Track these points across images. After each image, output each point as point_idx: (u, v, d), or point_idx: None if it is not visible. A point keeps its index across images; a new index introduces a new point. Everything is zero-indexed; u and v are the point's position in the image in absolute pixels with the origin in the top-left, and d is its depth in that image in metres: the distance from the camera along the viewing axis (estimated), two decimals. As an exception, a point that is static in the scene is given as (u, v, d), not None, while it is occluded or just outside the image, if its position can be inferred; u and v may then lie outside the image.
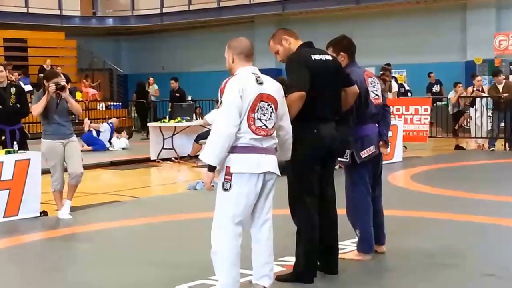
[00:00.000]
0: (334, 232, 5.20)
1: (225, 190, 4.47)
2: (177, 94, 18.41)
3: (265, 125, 4.45)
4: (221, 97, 4.46)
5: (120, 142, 16.66)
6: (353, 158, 5.47)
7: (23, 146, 8.37)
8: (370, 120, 5.52)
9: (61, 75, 8.51)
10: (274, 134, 4.55)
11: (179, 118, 14.34)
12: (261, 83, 4.49)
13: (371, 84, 5.52)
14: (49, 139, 7.92)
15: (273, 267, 4.73)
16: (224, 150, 4.35)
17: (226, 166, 4.43)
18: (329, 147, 5.00)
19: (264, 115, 4.45)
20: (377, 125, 5.60)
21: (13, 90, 8.46)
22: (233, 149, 4.40)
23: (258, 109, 4.43)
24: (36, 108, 7.83)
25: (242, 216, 4.48)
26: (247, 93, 4.38)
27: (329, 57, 5.09)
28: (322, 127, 4.96)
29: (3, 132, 8.40)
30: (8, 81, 8.78)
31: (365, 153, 5.48)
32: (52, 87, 7.75)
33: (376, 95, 5.52)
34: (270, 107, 4.50)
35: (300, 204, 4.96)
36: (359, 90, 5.33)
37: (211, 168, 4.38)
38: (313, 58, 4.97)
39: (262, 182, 4.48)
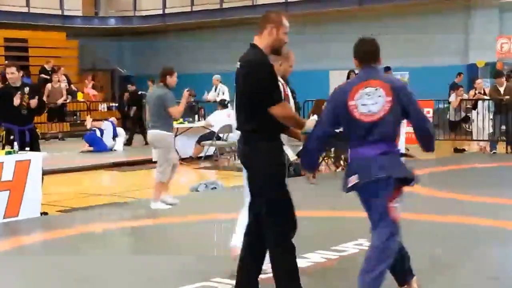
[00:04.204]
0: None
1: None
2: None
3: None
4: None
5: (122, 133, 17.13)
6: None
7: (33, 147, 8.37)
8: (358, 142, 4.48)
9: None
10: None
11: (181, 120, 14.31)
12: None
13: (366, 95, 4.45)
14: (171, 133, 8.65)
15: None
16: None
17: None
18: (242, 163, 4.65)
19: None
20: (377, 146, 4.42)
21: (26, 90, 8.48)
22: None
23: None
24: (181, 112, 8.65)
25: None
26: None
27: (238, 65, 4.55)
28: (239, 141, 4.69)
29: (12, 132, 8.39)
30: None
31: (348, 183, 4.54)
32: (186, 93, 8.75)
33: (369, 110, 4.42)
34: None
35: None
36: (339, 105, 4.52)
37: None
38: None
39: None
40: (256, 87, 4.42)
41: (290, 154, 4.91)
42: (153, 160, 13.81)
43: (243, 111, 4.52)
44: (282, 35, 4.58)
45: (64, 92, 20.45)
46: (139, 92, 18.90)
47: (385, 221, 4.42)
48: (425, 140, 4.68)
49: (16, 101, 8.31)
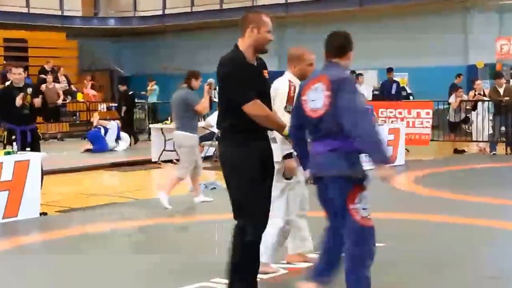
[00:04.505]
0: None
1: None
2: None
3: None
4: None
5: (126, 138, 16.98)
6: None
7: (33, 147, 8.37)
8: (311, 137, 4.47)
9: None
10: None
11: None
12: None
13: (314, 90, 4.37)
14: (195, 134, 8.81)
15: None
16: None
17: None
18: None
19: None
20: (326, 142, 4.28)
21: (29, 90, 8.49)
22: None
23: None
24: (206, 107, 8.91)
25: None
26: None
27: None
28: (217, 138, 4.86)
29: (14, 132, 8.38)
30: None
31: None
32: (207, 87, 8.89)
33: (315, 106, 4.33)
34: None
35: None
36: (297, 101, 4.52)
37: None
38: None
39: None
40: (230, 85, 4.47)
41: (278, 155, 4.87)
42: (153, 160, 13.90)
43: (221, 108, 4.61)
44: (264, 33, 4.57)
45: (60, 92, 20.40)
46: (130, 92, 18.92)
47: (349, 227, 4.24)
48: (370, 154, 4.11)
49: (19, 101, 8.31)
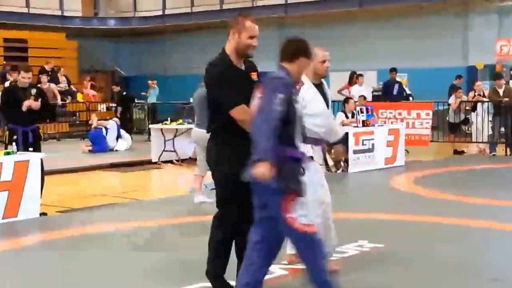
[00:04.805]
0: None
1: None
2: None
3: None
4: None
5: (127, 138, 16.95)
6: None
7: (35, 147, 8.37)
8: None
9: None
10: None
11: (181, 120, 14.36)
12: None
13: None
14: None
15: None
16: None
17: None
18: None
19: None
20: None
21: (33, 91, 8.48)
22: None
23: None
24: None
25: None
26: None
27: None
28: None
29: (16, 132, 8.39)
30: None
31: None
32: None
33: (254, 110, 4.20)
34: None
35: None
36: None
37: None
38: None
39: None
40: (217, 87, 4.57)
41: (318, 157, 4.94)
42: (153, 160, 13.89)
43: (210, 111, 4.73)
44: (245, 38, 4.59)
45: (56, 92, 20.38)
46: (124, 93, 18.88)
47: (290, 235, 4.13)
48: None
49: (36, 105, 8.32)
